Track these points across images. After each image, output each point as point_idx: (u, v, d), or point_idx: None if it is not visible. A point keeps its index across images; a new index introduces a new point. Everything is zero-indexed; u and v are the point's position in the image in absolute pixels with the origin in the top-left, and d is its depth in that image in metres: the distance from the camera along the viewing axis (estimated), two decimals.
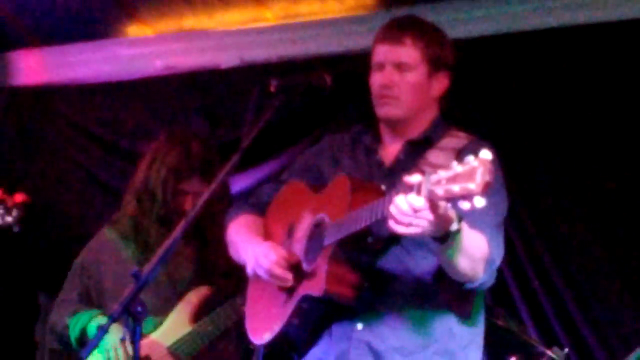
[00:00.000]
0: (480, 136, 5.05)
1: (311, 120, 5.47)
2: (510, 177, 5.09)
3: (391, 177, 3.53)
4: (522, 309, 5.08)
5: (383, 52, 3.59)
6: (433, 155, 3.54)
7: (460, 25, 5.32)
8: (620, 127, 4.98)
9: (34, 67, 6.23)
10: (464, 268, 3.32)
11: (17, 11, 6.01)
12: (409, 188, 3.01)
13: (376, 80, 3.60)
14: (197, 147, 4.66)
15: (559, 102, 5.10)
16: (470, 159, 2.84)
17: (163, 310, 4.61)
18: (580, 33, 5.11)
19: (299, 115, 5.21)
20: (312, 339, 3.56)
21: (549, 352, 4.38)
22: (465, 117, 5.18)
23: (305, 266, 3.51)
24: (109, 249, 4.73)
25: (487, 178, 2.79)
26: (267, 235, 3.73)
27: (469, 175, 2.81)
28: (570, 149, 5.08)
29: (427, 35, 3.62)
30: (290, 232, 3.67)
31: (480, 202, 2.80)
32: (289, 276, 3.50)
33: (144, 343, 4.48)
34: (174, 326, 4.60)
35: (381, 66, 3.59)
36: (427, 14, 5.32)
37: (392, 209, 3.07)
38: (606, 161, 5.00)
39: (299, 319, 3.51)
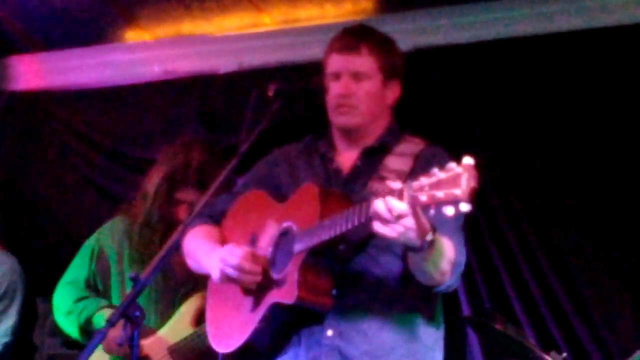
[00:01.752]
0: (483, 141, 5.09)
1: (309, 125, 5.46)
2: (510, 183, 5.15)
3: (350, 185, 3.56)
4: (520, 313, 5.07)
5: (339, 62, 3.63)
6: (391, 161, 3.57)
7: (457, 30, 5.33)
8: (618, 130, 4.98)
9: (33, 72, 6.23)
10: (434, 274, 3.36)
11: (15, 16, 6.01)
12: (391, 193, 3.01)
13: (333, 89, 3.62)
14: (197, 158, 4.70)
15: (562, 108, 5.10)
16: (452, 165, 2.85)
17: (164, 313, 4.66)
18: (578, 38, 5.12)
19: (297, 120, 5.20)
20: (280, 347, 3.55)
21: (547, 357, 4.37)
22: (463, 121, 5.20)
23: (273, 274, 3.49)
24: (118, 240, 4.79)
25: (473, 184, 2.81)
26: (226, 243, 3.66)
27: (453, 181, 2.82)
28: (568, 153, 5.08)
29: (382, 44, 3.66)
30: (253, 241, 3.64)
31: (465, 207, 2.81)
32: (259, 269, 3.48)
33: (145, 343, 4.53)
34: (175, 328, 4.64)
35: (337, 76, 3.62)
36: (424, 18, 5.36)
37: (381, 207, 3.05)
38: (604, 165, 5.00)
39: (267, 327, 3.50)
